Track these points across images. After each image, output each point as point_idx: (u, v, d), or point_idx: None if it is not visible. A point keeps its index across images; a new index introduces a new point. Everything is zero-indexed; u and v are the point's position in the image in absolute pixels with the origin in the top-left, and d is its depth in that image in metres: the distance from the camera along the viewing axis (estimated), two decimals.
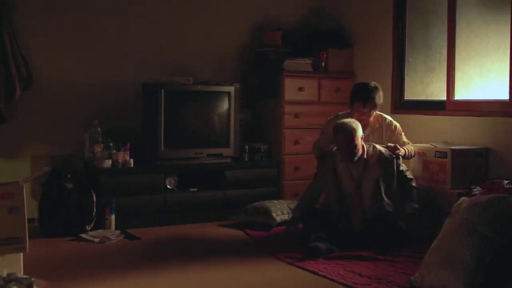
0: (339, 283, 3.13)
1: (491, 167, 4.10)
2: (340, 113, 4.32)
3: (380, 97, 4.17)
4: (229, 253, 3.78)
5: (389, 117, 4.32)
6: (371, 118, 4.21)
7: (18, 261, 3.01)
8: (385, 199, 3.90)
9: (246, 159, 5.02)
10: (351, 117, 4.11)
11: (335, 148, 4.02)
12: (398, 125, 4.29)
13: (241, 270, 3.41)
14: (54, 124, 4.70)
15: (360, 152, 3.88)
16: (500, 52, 4.14)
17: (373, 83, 4.20)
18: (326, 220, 3.92)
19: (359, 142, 3.87)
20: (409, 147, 4.19)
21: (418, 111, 4.63)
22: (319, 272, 3.29)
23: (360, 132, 3.88)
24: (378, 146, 4.01)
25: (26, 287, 2.81)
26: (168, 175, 4.66)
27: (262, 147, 5.07)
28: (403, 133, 4.28)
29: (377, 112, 4.24)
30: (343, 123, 3.89)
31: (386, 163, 3.95)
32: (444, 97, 4.53)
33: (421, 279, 2.97)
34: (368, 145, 3.99)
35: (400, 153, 4.03)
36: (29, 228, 3.01)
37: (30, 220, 3.38)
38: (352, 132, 3.83)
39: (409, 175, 4.05)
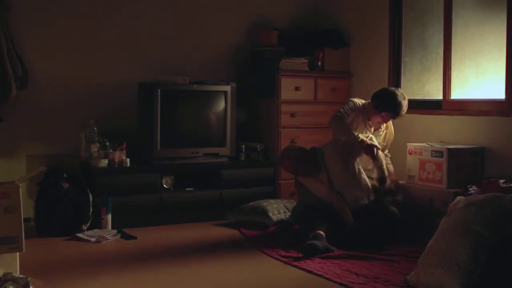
0: (335, 282, 3.13)
1: (487, 167, 4.10)
2: (357, 100, 4.28)
3: None
4: (224, 252, 3.78)
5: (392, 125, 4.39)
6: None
7: (14, 261, 3.01)
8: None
9: (243, 159, 5.02)
10: (368, 116, 4.19)
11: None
12: (393, 135, 4.41)
13: (237, 269, 3.41)
14: (50, 123, 4.69)
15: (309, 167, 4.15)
16: (496, 51, 4.15)
17: (404, 96, 4.18)
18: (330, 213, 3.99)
19: (302, 159, 4.17)
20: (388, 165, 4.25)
21: (414, 111, 4.62)
22: (315, 271, 3.29)
23: (296, 150, 4.23)
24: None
25: (23, 287, 2.81)
26: (164, 174, 4.66)
27: (258, 146, 5.07)
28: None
29: None
30: (285, 150, 4.31)
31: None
32: (440, 97, 4.54)
33: (417, 278, 2.98)
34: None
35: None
36: (25, 228, 3.00)
37: (26, 220, 3.38)
38: (295, 157, 4.18)
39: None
